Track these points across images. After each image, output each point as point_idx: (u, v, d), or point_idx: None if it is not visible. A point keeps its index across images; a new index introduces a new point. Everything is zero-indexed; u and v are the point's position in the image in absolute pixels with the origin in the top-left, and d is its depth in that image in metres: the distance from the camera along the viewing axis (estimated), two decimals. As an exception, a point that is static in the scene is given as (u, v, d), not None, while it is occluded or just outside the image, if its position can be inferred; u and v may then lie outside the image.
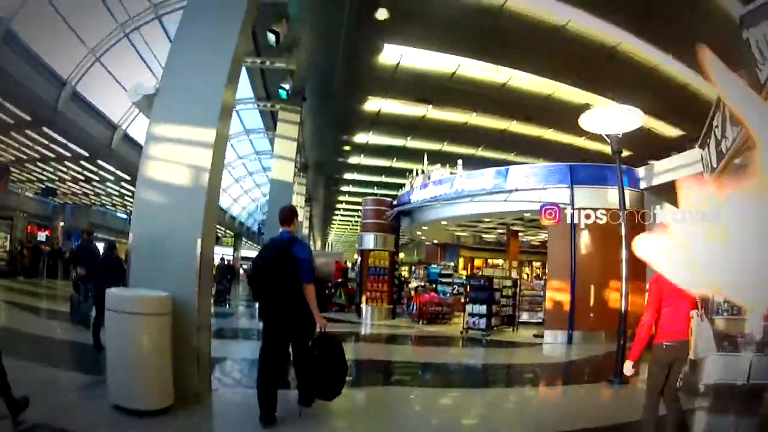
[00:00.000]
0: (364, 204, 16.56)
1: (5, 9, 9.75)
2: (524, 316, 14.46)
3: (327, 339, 4.66)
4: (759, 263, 0.73)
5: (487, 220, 17.09)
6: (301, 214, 22.08)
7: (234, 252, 38.27)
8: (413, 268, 23.20)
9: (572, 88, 13.67)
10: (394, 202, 16.73)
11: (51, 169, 19.61)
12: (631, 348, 3.96)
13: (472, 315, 12.27)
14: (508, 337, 12.20)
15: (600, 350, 9.79)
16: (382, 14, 10.55)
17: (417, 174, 16.94)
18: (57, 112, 12.39)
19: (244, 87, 15.24)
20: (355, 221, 35.18)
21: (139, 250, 5.09)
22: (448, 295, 16.81)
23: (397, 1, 10.35)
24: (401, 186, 18.72)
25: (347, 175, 26.01)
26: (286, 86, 12.83)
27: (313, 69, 13.59)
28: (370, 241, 15.50)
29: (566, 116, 13.12)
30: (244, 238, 41.44)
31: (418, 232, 21.16)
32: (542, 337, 11.61)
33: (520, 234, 20.35)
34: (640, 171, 11.86)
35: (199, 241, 4.96)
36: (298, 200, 21.24)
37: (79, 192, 25.04)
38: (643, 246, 0.84)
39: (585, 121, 7.96)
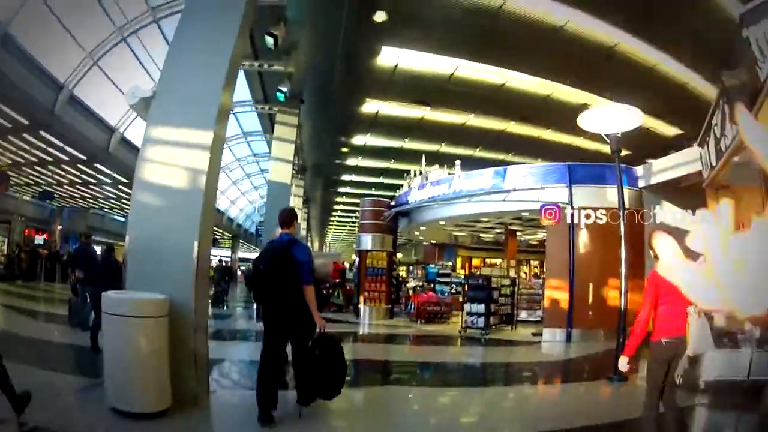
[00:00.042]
0: (362, 205, 16.56)
1: (2, 13, 9.75)
2: (523, 315, 14.46)
3: (327, 339, 4.71)
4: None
5: (485, 219, 17.09)
6: (299, 216, 22.06)
7: (231, 254, 38.23)
8: (411, 268, 23.21)
9: (570, 89, 13.70)
10: (392, 203, 16.73)
11: (48, 173, 19.59)
12: (627, 344, 3.98)
13: (470, 314, 12.25)
14: (507, 336, 12.20)
15: (599, 348, 9.80)
16: (380, 17, 10.57)
17: (415, 175, 16.96)
18: (54, 115, 12.39)
19: (242, 90, 15.28)
20: (353, 222, 35.20)
21: (135, 252, 5.07)
22: (446, 294, 16.79)
23: (396, 4, 10.37)
24: (399, 187, 18.73)
25: (345, 177, 26.04)
26: (284, 89, 12.83)
27: (311, 71, 13.60)
28: (368, 241, 15.50)
29: (564, 116, 13.15)
30: (241, 240, 41.42)
31: (416, 233, 21.16)
32: (541, 335, 11.61)
33: (518, 233, 20.35)
34: (639, 170, 11.86)
35: (195, 244, 4.94)
36: (295, 202, 21.25)
37: (77, 195, 25.01)
38: (667, 265, 0.86)
39: (584, 120, 7.96)
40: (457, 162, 15.60)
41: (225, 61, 5.42)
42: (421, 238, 24.24)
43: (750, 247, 0.77)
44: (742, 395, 5.76)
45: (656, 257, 3.90)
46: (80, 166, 17.72)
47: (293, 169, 17.28)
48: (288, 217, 4.85)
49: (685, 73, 12.07)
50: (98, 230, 27.94)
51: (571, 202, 11.32)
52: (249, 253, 46.53)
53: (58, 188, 22.68)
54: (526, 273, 24.72)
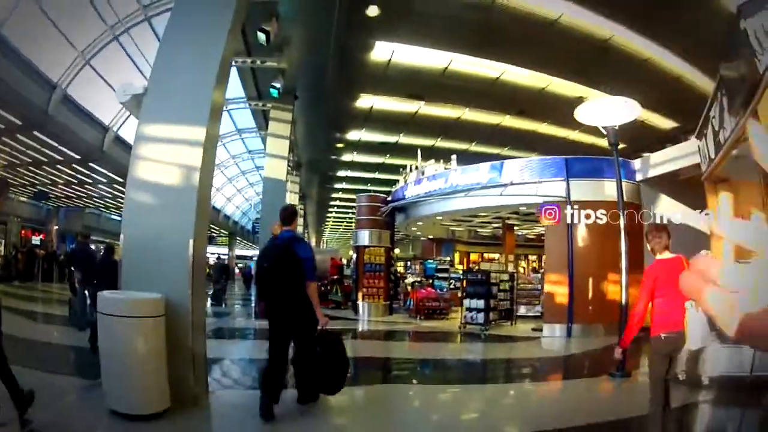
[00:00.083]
0: (359, 201, 16.54)
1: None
2: (522, 310, 14.47)
3: (328, 336, 4.77)
4: None
5: (482, 214, 17.06)
6: (296, 213, 22.00)
7: (229, 251, 38.20)
8: (409, 263, 23.18)
9: (566, 82, 13.65)
10: (389, 198, 16.68)
11: (43, 173, 19.49)
12: (623, 336, 4.03)
13: (469, 310, 12.24)
14: (507, 332, 12.21)
15: (599, 343, 9.79)
16: (373, 11, 10.50)
17: (411, 170, 16.90)
18: (48, 116, 12.31)
19: (235, 86, 15.20)
20: (350, 218, 35.15)
21: (130, 251, 5.03)
22: (444, 290, 16.81)
23: (388, -2, 10.31)
24: (395, 182, 18.68)
25: (341, 173, 25.99)
26: (278, 85, 12.79)
27: (304, 67, 13.52)
28: (365, 237, 15.48)
29: (560, 110, 13.12)
30: (238, 237, 41.35)
31: (413, 228, 21.13)
32: (541, 330, 11.60)
33: (515, 228, 20.33)
34: (636, 163, 11.82)
35: (191, 242, 4.90)
36: (291, 198, 21.22)
37: (73, 195, 24.93)
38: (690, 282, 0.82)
39: (581, 113, 7.88)
40: (453, 156, 15.55)
41: (217, 58, 5.36)
42: (418, 233, 24.23)
43: None
44: (746, 391, 5.76)
45: (654, 252, 3.90)
46: (75, 165, 17.63)
47: (288, 166, 17.22)
48: (289, 215, 4.92)
49: (681, 66, 12.03)
50: (95, 230, 27.88)
51: (568, 196, 11.29)
52: (246, 251, 46.54)
53: (54, 188, 22.61)
54: (524, 268, 24.74)
